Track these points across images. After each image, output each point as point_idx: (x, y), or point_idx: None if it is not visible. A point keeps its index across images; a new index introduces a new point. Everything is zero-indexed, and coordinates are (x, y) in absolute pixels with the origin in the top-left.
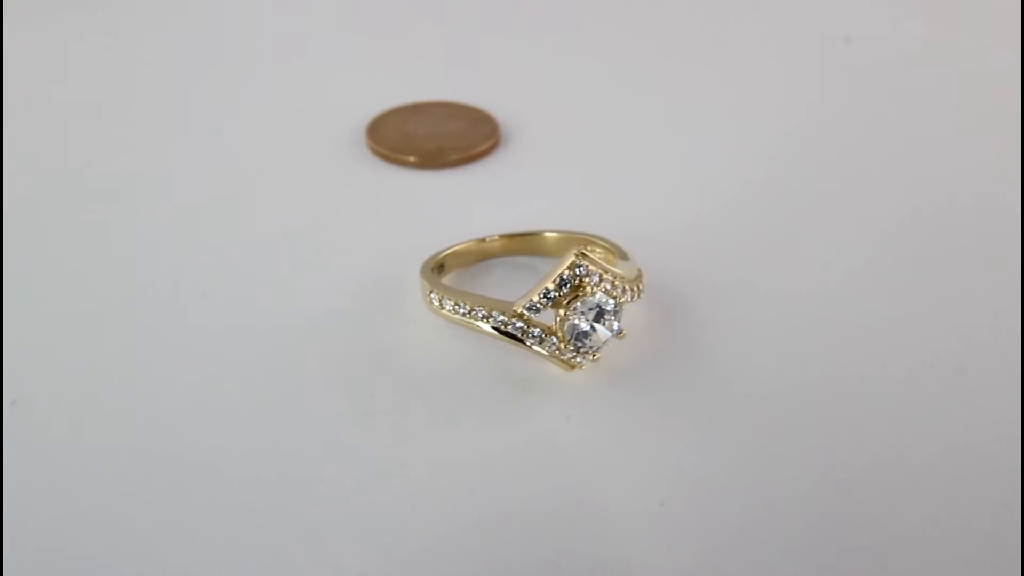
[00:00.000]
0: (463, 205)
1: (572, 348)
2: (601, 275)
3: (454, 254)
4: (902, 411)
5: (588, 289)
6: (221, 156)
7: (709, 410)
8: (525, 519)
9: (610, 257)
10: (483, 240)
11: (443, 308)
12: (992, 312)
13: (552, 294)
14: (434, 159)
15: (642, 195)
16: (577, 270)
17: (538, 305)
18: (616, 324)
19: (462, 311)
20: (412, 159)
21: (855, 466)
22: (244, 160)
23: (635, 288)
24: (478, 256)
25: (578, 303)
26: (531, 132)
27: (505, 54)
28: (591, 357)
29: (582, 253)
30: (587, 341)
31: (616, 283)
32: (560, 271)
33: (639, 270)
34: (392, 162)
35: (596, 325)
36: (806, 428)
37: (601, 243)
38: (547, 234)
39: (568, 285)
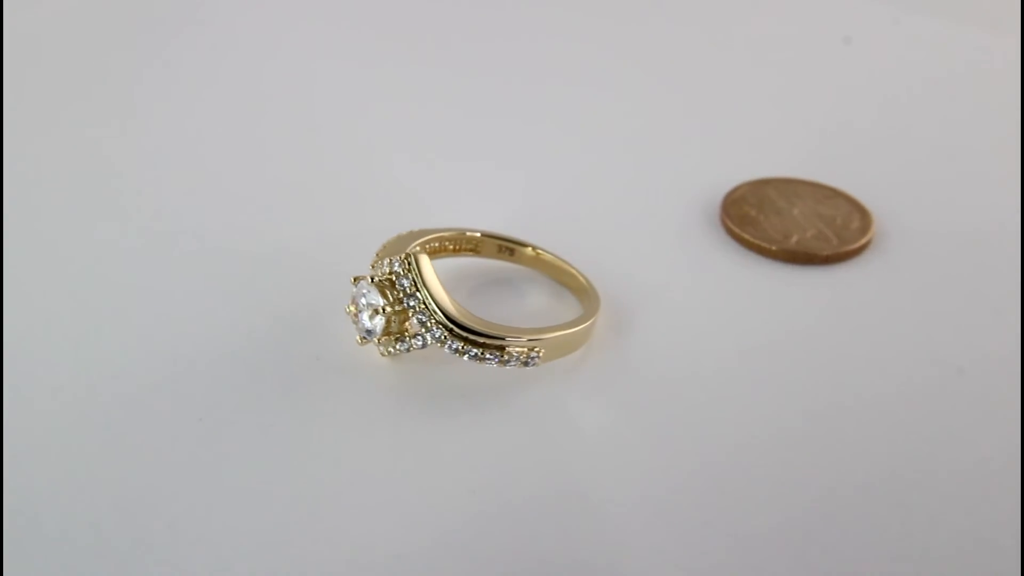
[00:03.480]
0: (827, 313)
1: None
2: (408, 288)
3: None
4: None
5: (379, 284)
6: (565, 208)
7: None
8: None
9: (586, 304)
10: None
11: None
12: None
13: (373, 275)
14: (798, 253)
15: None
16: (394, 266)
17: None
18: (366, 331)
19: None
20: (772, 248)
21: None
22: (591, 212)
23: (495, 349)
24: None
25: (359, 285)
26: (913, 231)
27: (887, 136)
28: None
29: (408, 257)
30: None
31: (417, 314)
32: (383, 260)
33: (576, 334)
34: (745, 245)
35: (359, 315)
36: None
37: (581, 281)
38: (539, 251)
39: (383, 276)
